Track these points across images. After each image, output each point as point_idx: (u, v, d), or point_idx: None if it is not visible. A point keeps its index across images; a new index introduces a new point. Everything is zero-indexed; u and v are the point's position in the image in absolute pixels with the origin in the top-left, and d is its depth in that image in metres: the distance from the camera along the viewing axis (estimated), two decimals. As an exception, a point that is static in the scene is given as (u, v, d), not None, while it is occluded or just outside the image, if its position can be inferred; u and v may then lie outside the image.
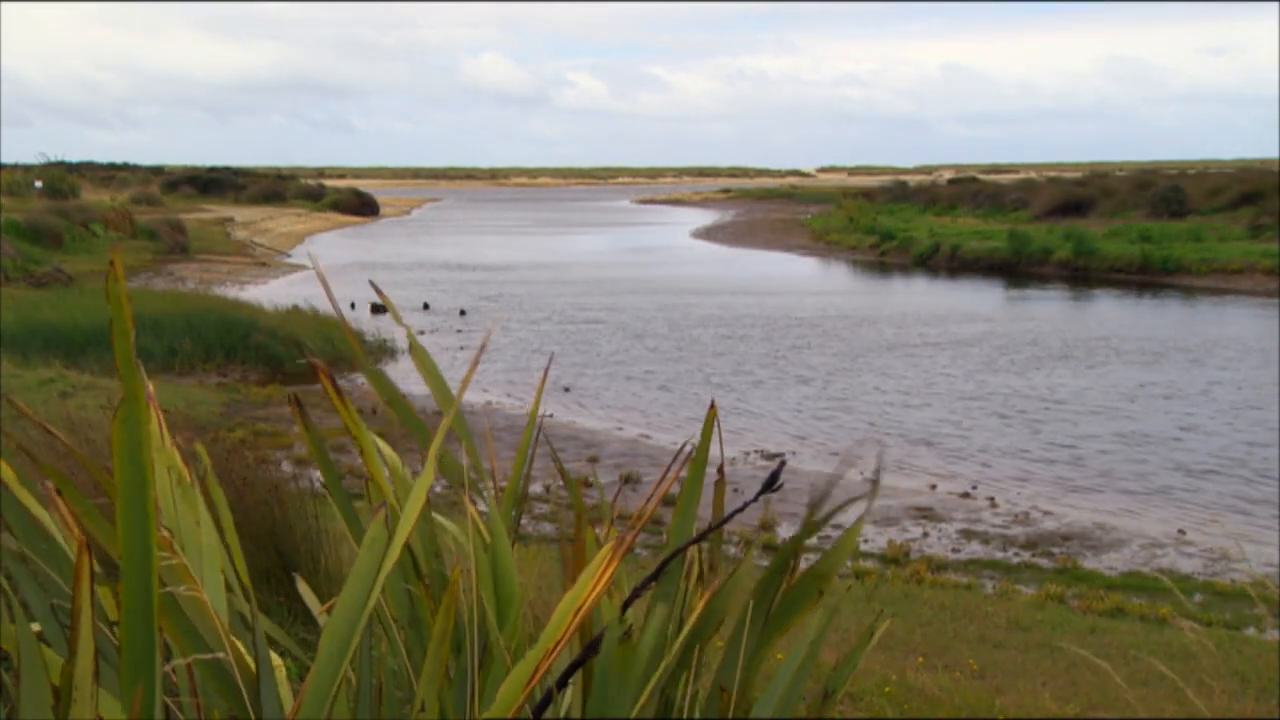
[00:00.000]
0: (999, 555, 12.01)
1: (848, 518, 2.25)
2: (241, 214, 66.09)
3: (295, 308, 26.35)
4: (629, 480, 14.20)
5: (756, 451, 16.26)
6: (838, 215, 63.15)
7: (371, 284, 2.35)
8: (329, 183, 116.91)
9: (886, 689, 6.04)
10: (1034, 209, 56.76)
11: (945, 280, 42.09)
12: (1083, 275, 40.57)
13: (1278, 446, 16.57)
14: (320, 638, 1.65)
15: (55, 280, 30.79)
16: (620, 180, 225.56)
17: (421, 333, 27.39)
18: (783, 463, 2.43)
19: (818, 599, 1.97)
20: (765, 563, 2.24)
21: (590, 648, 1.89)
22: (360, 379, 20.60)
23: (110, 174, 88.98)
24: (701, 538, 2.08)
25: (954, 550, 12.14)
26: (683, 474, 2.16)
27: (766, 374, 22.57)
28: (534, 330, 28.69)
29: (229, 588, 1.95)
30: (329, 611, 1.69)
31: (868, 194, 75.56)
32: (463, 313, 31.67)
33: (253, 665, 1.79)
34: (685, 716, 2.05)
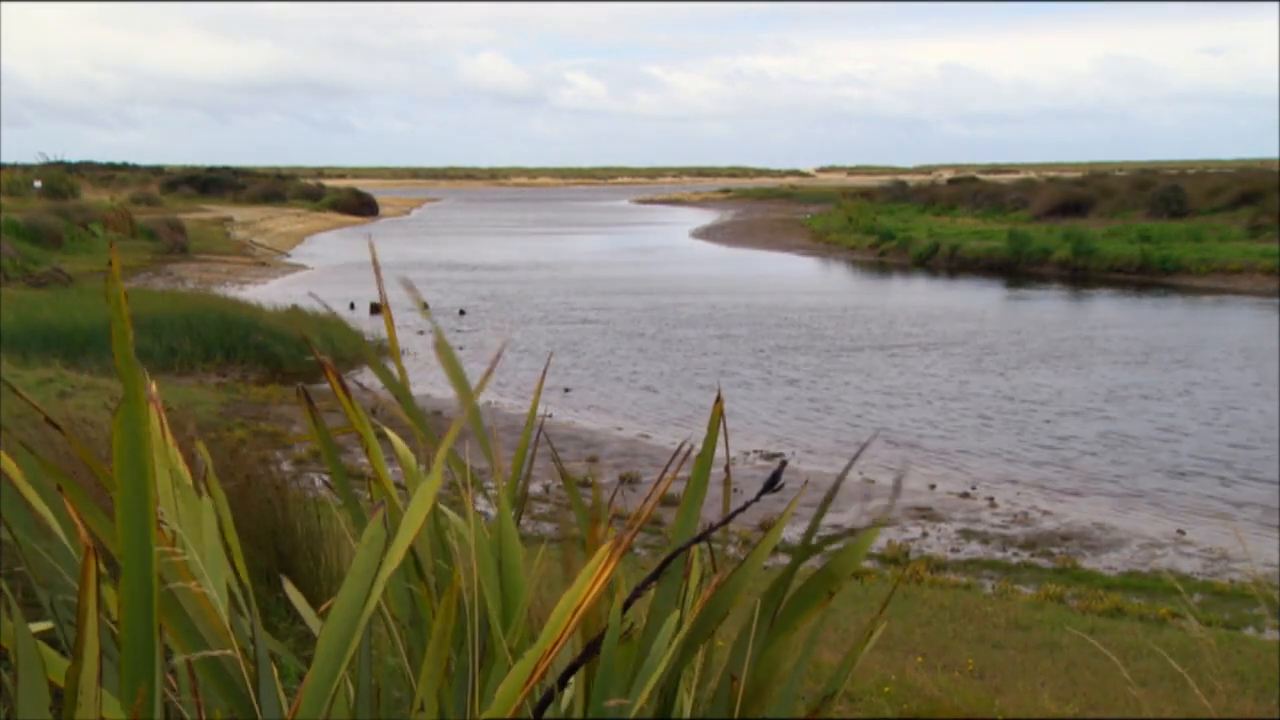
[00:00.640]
0: (998, 555, 12.01)
1: (845, 518, 2.25)
2: (241, 214, 66.08)
3: (295, 307, 26.36)
4: (628, 480, 14.20)
5: (756, 451, 16.26)
6: (837, 215, 63.15)
7: (401, 282, 2.35)
8: (328, 183, 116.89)
9: (886, 689, 6.04)
10: (1033, 209, 56.76)
11: (944, 280, 42.11)
12: (1082, 275, 40.58)
13: (1278, 446, 16.57)
14: (319, 638, 1.65)
15: (54, 280, 30.79)
16: (620, 180, 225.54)
17: (421, 332, 27.38)
18: (783, 463, 2.42)
19: (827, 600, 1.97)
20: (765, 563, 2.24)
21: (591, 648, 1.89)
22: (361, 379, 20.59)
23: (109, 174, 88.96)
24: (702, 537, 2.08)
25: (953, 550, 12.14)
26: (682, 474, 2.16)
27: (758, 373, 22.58)
28: (533, 330, 28.69)
29: (229, 587, 1.95)
30: (329, 611, 1.68)
31: (867, 194, 75.54)
32: (462, 312, 31.68)
33: (253, 664, 1.79)
34: (689, 716, 2.05)
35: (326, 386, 2.20)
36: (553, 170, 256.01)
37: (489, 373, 2.20)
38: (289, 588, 2.44)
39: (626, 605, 1.98)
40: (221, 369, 21.55)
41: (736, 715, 1.98)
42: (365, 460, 2.16)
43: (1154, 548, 12.32)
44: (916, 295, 37.84)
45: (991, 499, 14.06)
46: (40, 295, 26.21)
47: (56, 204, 47.47)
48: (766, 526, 11.73)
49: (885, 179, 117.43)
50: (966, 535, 12.63)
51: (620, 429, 18.05)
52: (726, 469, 2.19)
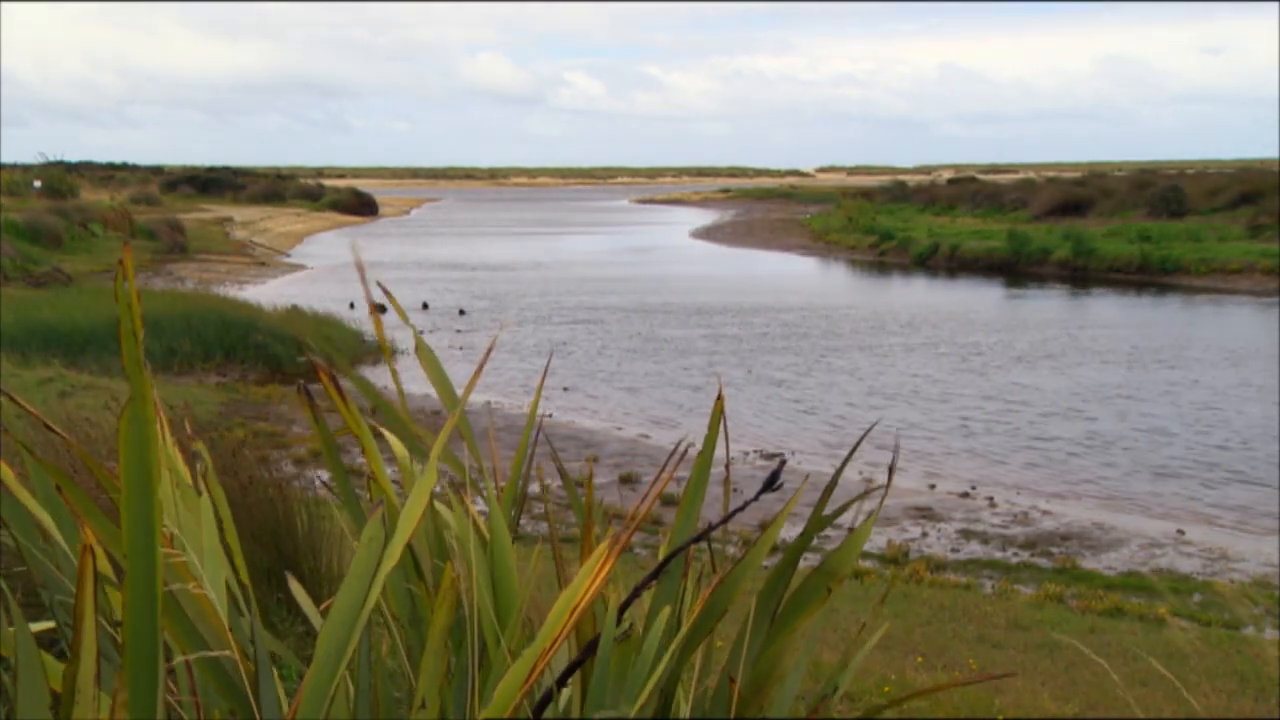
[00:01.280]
0: (998, 555, 12.01)
1: (844, 516, 2.25)
2: (240, 214, 66.06)
3: (294, 307, 26.35)
4: (628, 480, 14.20)
5: (756, 451, 16.26)
6: (837, 215, 63.16)
7: (379, 285, 2.36)
8: (328, 182, 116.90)
9: (885, 689, 6.05)
10: (1033, 209, 56.75)
11: (944, 280, 42.12)
12: (1082, 275, 40.59)
13: (1278, 445, 16.58)
14: (319, 637, 1.65)
15: (54, 280, 30.79)
16: (619, 180, 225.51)
17: (422, 332, 27.27)
18: (783, 462, 2.43)
19: (826, 597, 1.97)
20: (765, 562, 2.24)
21: (589, 648, 1.90)
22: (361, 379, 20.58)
23: (109, 174, 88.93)
24: (701, 537, 2.08)
25: (953, 550, 12.14)
26: (680, 474, 2.16)
27: (761, 371, 22.60)
28: (533, 330, 28.69)
29: (229, 587, 1.95)
30: (328, 610, 1.69)
31: (867, 194, 75.56)
32: (462, 312, 31.68)
33: (252, 664, 1.80)
34: (687, 715, 2.05)
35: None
36: (552, 170, 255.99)
37: (477, 374, 2.20)
38: (294, 586, 2.44)
39: (625, 605, 1.98)
40: (221, 369, 21.55)
41: (735, 715, 1.99)
42: (364, 460, 2.16)
43: (1154, 547, 12.32)
44: (916, 294, 37.86)
45: (991, 499, 14.06)
46: (40, 295, 26.21)
47: (56, 204, 47.46)
48: (766, 526, 11.75)
49: (885, 179, 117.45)
50: (966, 535, 12.63)
51: (620, 429, 18.05)
52: (726, 468, 2.20)
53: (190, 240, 47.60)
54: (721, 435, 2.16)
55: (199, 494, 1.99)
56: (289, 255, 51.33)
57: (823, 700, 2.08)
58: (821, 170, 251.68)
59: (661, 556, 2.13)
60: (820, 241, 56.88)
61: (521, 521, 2.34)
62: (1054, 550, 12.12)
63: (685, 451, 2.20)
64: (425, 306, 32.42)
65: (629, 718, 1.89)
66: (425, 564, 2.09)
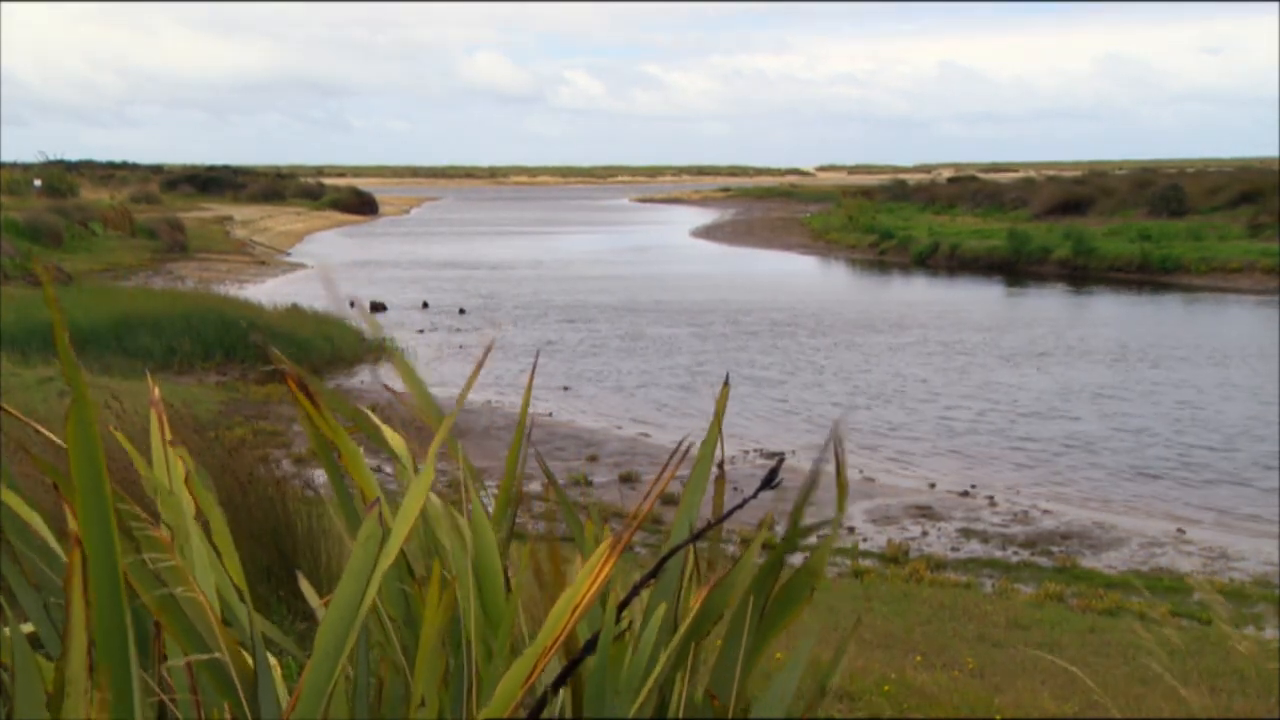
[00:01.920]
0: (998, 554, 12.01)
1: (830, 513, 2.24)
2: (241, 213, 66.06)
3: (295, 306, 26.35)
4: (628, 479, 14.20)
5: (755, 450, 16.25)
6: (837, 214, 63.16)
7: (372, 304, 2.35)
8: (328, 181, 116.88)
9: (885, 688, 6.04)
10: (1033, 208, 56.74)
11: (944, 279, 42.13)
12: (1082, 274, 40.60)
13: (1278, 444, 16.58)
14: (316, 635, 1.65)
15: (54, 279, 30.75)
16: (619, 179, 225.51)
17: (421, 331, 27.39)
18: (781, 460, 2.42)
19: (810, 596, 1.97)
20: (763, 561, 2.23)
21: (586, 648, 1.89)
22: (361, 378, 20.63)
23: (109, 173, 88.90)
24: (699, 536, 2.08)
25: (953, 549, 12.14)
26: (681, 472, 2.16)
27: (767, 372, 22.60)
28: (532, 329, 28.69)
29: (226, 587, 1.95)
30: (326, 608, 1.68)
31: (867, 193, 75.58)
32: (462, 311, 31.68)
33: (250, 664, 1.79)
34: (681, 717, 2.05)
35: (327, 386, 2.19)
36: (552, 169, 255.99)
37: (473, 376, 2.20)
38: (303, 583, 2.44)
39: (623, 605, 1.98)
40: (221, 368, 21.55)
41: (733, 715, 1.98)
42: (369, 458, 2.15)
43: (1154, 546, 12.32)
44: (916, 294, 37.89)
45: (991, 498, 14.06)
46: (39, 294, 26.17)
47: (56, 203, 47.45)
48: (766, 525, 11.76)
49: (885, 178, 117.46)
50: (966, 534, 12.63)
51: (620, 428, 18.05)
52: (720, 467, 2.19)
53: (190, 239, 47.60)
54: (720, 435, 2.16)
55: (185, 498, 1.99)
56: (289, 254, 51.34)
57: (818, 698, 2.07)
58: (822, 169, 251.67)
59: (661, 555, 2.12)
60: (820, 241, 56.88)
61: (520, 521, 2.34)
62: (1054, 549, 12.12)
63: (687, 450, 2.20)
64: (425, 305, 32.43)
65: (628, 718, 1.88)
66: (418, 565, 2.09)
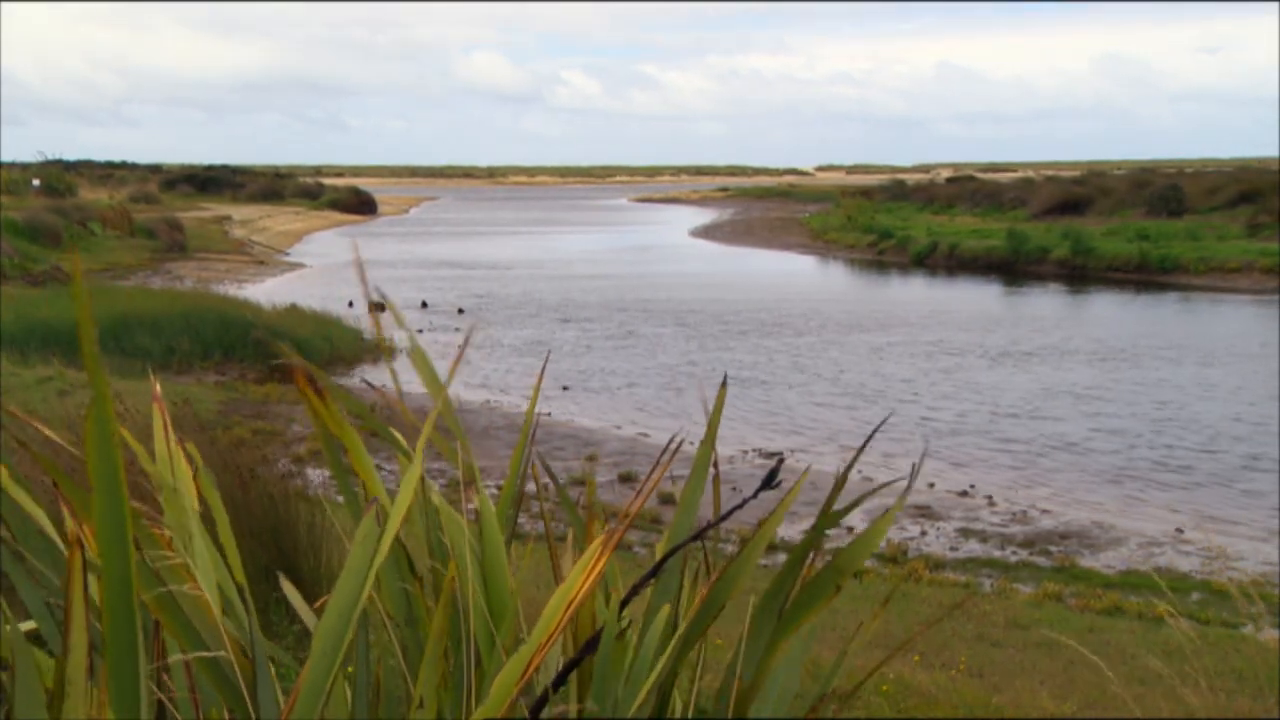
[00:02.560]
0: (997, 554, 12.01)
1: (848, 518, 2.24)
2: (239, 212, 66.03)
3: (294, 306, 26.35)
4: (627, 479, 14.19)
5: (754, 450, 16.25)
6: (836, 214, 63.17)
7: (377, 289, 2.35)
8: (327, 181, 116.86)
9: (884, 687, 6.04)
10: (1032, 208, 56.76)
11: (943, 279, 42.14)
12: (1080, 274, 40.62)
13: (1278, 444, 16.58)
14: (314, 635, 1.65)
15: (53, 279, 30.77)
16: (618, 179, 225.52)
17: (420, 331, 27.39)
18: (781, 460, 2.42)
19: (834, 594, 1.97)
20: (763, 561, 2.23)
21: (587, 646, 1.89)
22: (360, 377, 20.61)
23: (108, 172, 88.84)
24: (699, 535, 2.08)
25: (952, 549, 12.14)
26: (680, 472, 2.16)
27: (771, 371, 22.60)
28: (531, 328, 28.69)
29: (225, 586, 1.95)
30: (323, 609, 1.68)
31: (866, 192, 75.60)
32: (461, 311, 31.67)
33: (250, 663, 1.79)
34: (686, 715, 2.05)
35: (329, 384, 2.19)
36: (551, 169, 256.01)
37: (455, 365, 2.20)
38: (286, 585, 2.44)
39: (623, 604, 1.98)
40: (220, 367, 21.55)
41: (733, 714, 1.98)
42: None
43: (1152, 546, 12.32)
44: (915, 293, 37.92)
45: (990, 498, 14.06)
46: (39, 294, 26.19)
47: (55, 202, 47.41)
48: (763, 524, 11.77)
49: (884, 178, 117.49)
50: (965, 534, 12.63)
51: (619, 428, 18.04)
52: (715, 466, 2.19)
53: (189, 239, 47.57)
54: (719, 435, 2.16)
55: (195, 494, 1.99)
56: (288, 254, 51.32)
57: (820, 700, 2.07)
58: (820, 169, 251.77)
59: (660, 555, 2.12)
60: (819, 240, 56.89)
61: (520, 520, 2.34)
62: (1052, 549, 12.12)
63: (679, 447, 2.20)
64: (424, 305, 32.42)
65: (627, 717, 1.88)
66: (420, 562, 2.09)
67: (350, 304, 30.76)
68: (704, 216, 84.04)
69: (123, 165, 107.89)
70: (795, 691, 2.03)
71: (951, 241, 47.30)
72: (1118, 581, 10.95)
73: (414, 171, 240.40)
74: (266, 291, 33.12)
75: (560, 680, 1.92)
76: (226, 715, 1.85)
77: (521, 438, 2.23)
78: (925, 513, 13.31)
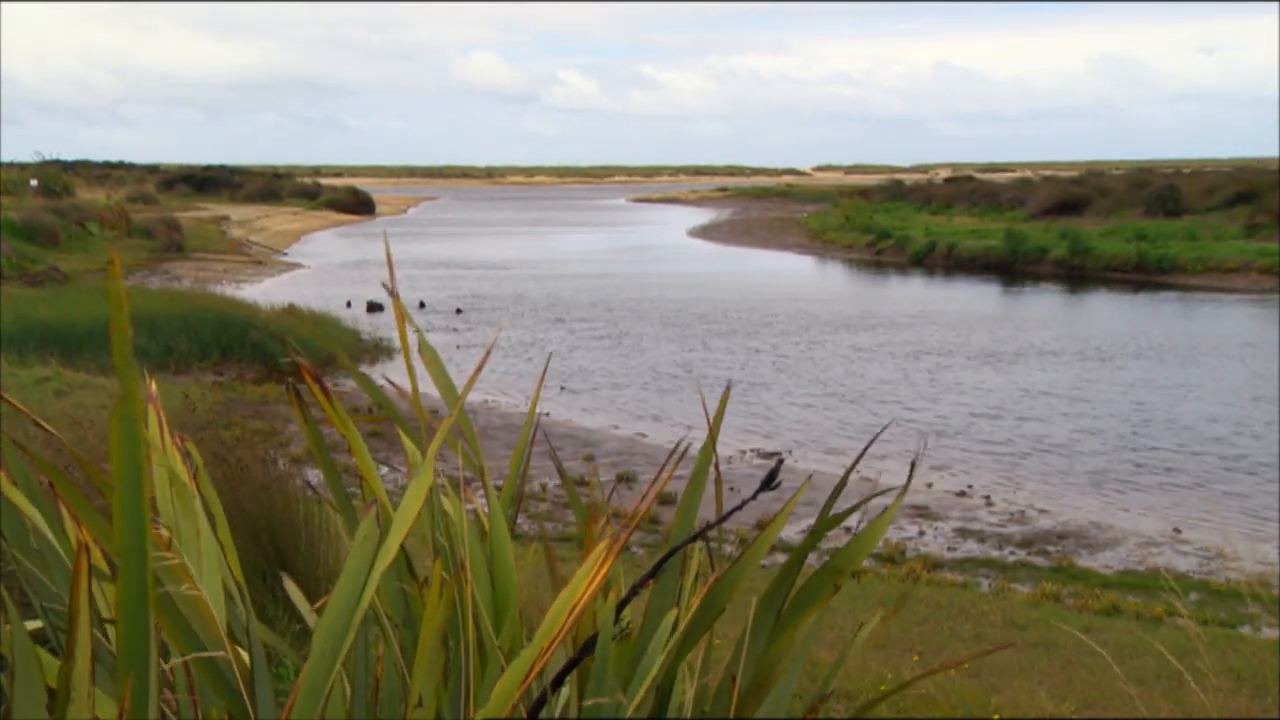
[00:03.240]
0: (995, 554, 12.02)
1: (848, 518, 2.24)
2: (237, 212, 65.99)
3: (291, 306, 26.34)
4: (626, 479, 14.19)
5: (753, 450, 16.25)
6: (834, 214, 63.20)
7: (385, 285, 2.36)
8: (325, 181, 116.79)
9: (882, 687, 6.04)
10: (1030, 208, 56.78)
11: (941, 279, 42.16)
12: (1079, 274, 40.66)
13: (1277, 443, 16.59)
14: (313, 635, 1.65)
15: (51, 279, 30.75)
16: (616, 179, 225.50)
17: (419, 331, 27.32)
18: (780, 461, 2.42)
19: (832, 594, 1.97)
20: (763, 562, 2.24)
21: (586, 647, 1.89)
22: (383, 375, 20.57)
23: (106, 172, 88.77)
24: (698, 536, 2.08)
25: (950, 549, 12.14)
26: (681, 472, 2.16)
27: (776, 372, 22.61)
28: (530, 328, 28.68)
29: (224, 586, 1.95)
30: (322, 610, 1.68)
31: (864, 193, 75.62)
32: (459, 311, 31.66)
33: (248, 663, 1.79)
34: (686, 716, 2.05)
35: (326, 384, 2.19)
36: (549, 169, 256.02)
37: (475, 374, 2.20)
38: (289, 585, 2.44)
39: (622, 604, 1.98)
40: (218, 367, 21.53)
41: (734, 714, 1.98)
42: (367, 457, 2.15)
43: (1150, 546, 12.32)
44: (914, 293, 37.93)
45: (988, 498, 14.06)
46: (37, 294, 26.17)
47: (53, 202, 47.37)
48: (763, 525, 11.75)
49: (882, 178, 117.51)
50: (963, 534, 12.63)
51: (617, 428, 18.04)
52: (715, 467, 2.19)
53: (187, 239, 47.54)
54: (715, 438, 2.16)
55: (193, 494, 1.99)
56: (286, 254, 51.30)
57: (820, 700, 2.07)
58: (819, 169, 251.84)
59: (660, 556, 2.12)
60: (817, 240, 56.90)
61: (519, 520, 2.34)
62: (1051, 549, 12.13)
63: (685, 450, 2.20)
64: (422, 305, 32.40)
65: (626, 717, 1.88)
66: (419, 564, 2.09)
67: (348, 304, 30.76)
68: (702, 216, 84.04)
69: (120, 165, 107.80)
70: (795, 691, 2.03)
71: (949, 242, 47.31)
72: (1116, 581, 10.96)
73: (412, 172, 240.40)
74: (264, 292, 33.10)
75: (559, 681, 1.92)
76: (226, 715, 1.85)
77: (522, 438, 2.23)
78: (923, 513, 13.32)
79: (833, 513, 2.07)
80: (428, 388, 2.31)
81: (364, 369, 18.33)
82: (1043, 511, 13.58)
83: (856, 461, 2.19)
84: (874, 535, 2.04)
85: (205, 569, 1.88)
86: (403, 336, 2.27)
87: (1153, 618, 9.50)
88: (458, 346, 25.30)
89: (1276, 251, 38.29)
